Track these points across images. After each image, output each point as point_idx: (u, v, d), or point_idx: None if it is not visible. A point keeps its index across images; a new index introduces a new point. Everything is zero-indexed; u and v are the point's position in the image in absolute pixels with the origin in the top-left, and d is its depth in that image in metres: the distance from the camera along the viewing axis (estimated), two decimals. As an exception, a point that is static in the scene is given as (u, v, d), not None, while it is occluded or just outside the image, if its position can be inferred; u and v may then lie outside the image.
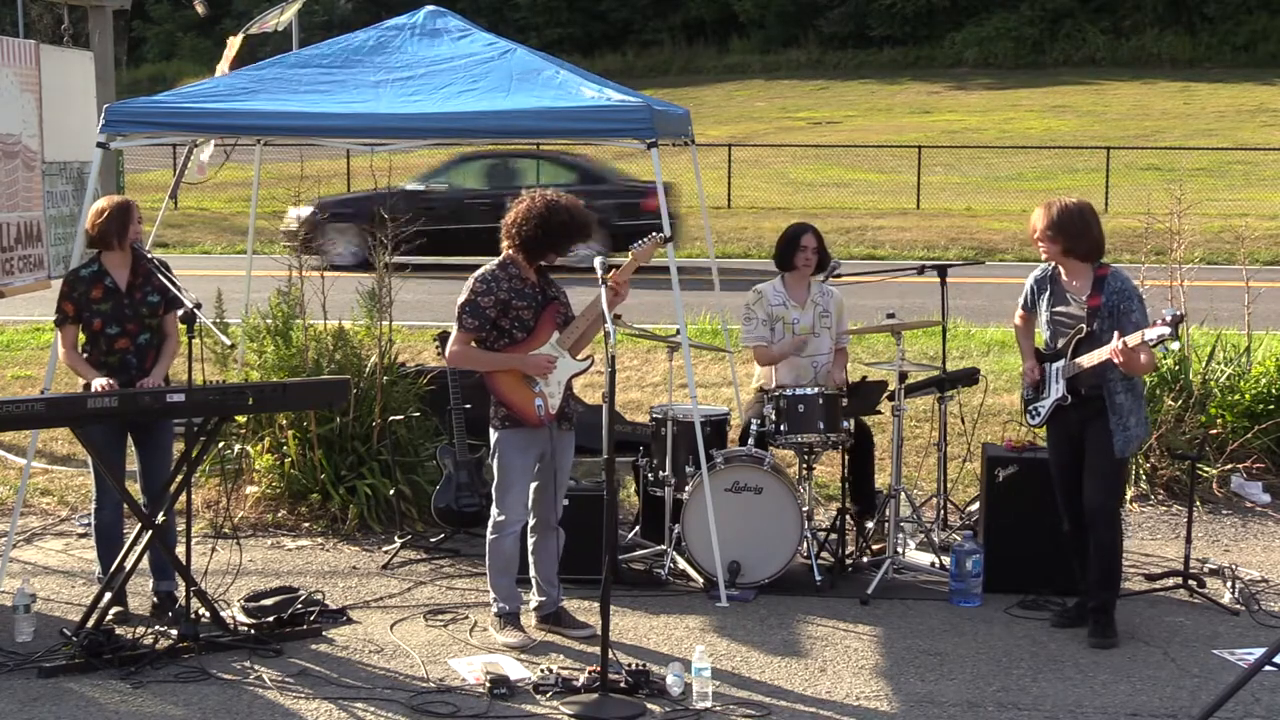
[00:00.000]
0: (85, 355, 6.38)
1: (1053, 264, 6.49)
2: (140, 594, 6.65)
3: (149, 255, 6.42)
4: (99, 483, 6.48)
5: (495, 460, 6.26)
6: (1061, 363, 6.39)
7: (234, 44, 9.84)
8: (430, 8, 8.00)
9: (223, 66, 9.50)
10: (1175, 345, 6.20)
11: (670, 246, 6.55)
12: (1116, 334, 6.16)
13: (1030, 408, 6.62)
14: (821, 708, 5.62)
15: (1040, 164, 30.53)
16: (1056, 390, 6.42)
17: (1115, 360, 6.12)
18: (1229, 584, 6.92)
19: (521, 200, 6.23)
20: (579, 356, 6.30)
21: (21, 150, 9.06)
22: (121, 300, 6.37)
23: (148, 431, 6.48)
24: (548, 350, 6.20)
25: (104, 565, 6.52)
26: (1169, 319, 6.00)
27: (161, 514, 6.34)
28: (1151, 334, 6.05)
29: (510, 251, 6.23)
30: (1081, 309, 6.35)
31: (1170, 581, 7.01)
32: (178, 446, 6.67)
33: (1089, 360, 6.25)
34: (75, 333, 6.40)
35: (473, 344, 6.17)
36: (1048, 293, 6.52)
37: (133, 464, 6.66)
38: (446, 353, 6.31)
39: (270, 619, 6.32)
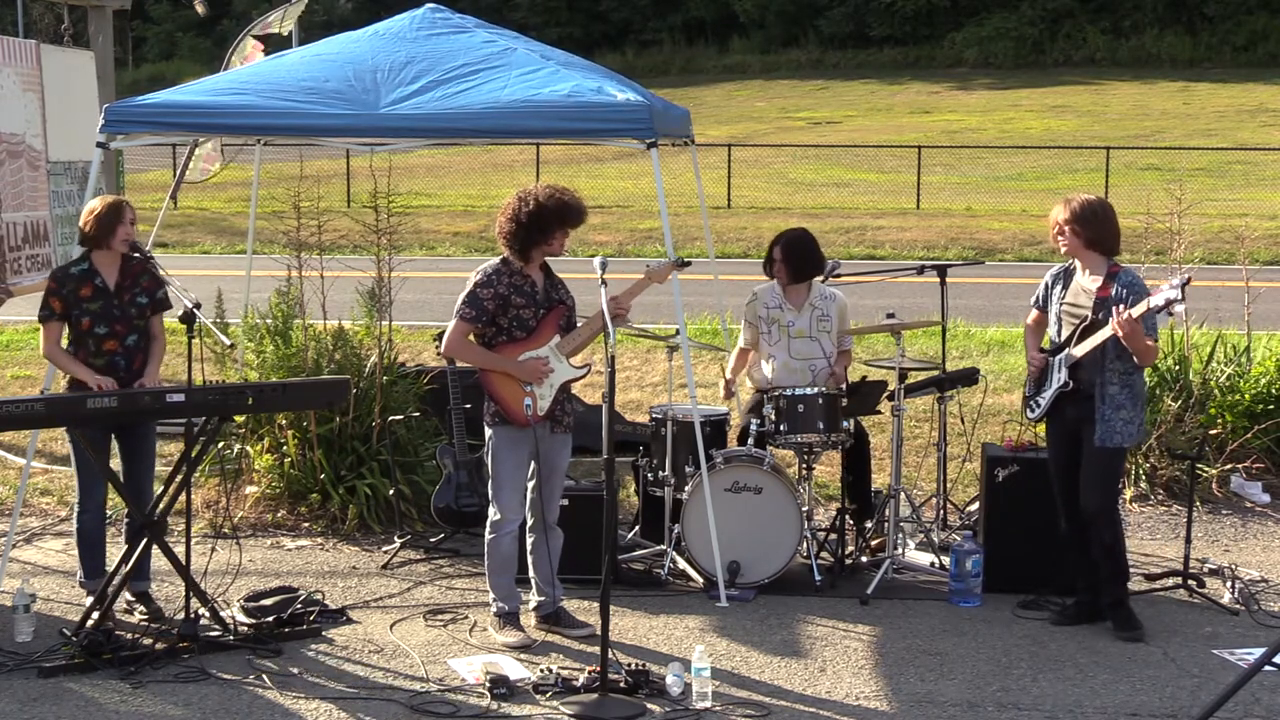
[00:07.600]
0: (72, 354, 6.32)
1: (1070, 261, 6.50)
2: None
3: (149, 255, 6.40)
4: (82, 485, 6.44)
5: (489, 457, 6.26)
6: (1065, 352, 6.37)
7: (254, 52, 9.83)
8: (430, 5, 8.00)
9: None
10: (1180, 309, 6.09)
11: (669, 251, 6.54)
12: (1117, 308, 6.12)
13: (1030, 401, 6.61)
14: (821, 708, 5.62)
15: (1040, 164, 30.51)
16: (1058, 379, 6.39)
17: (1119, 334, 6.06)
18: (1229, 584, 6.92)
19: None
20: (577, 362, 6.30)
21: (26, 150, 9.06)
22: (110, 300, 6.32)
23: (133, 433, 6.45)
24: (546, 353, 6.20)
25: (85, 567, 6.49)
26: (1176, 284, 5.95)
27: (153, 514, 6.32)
28: (1158, 299, 5.98)
29: (506, 251, 6.25)
30: (1090, 299, 6.34)
31: (1170, 581, 7.01)
32: (163, 449, 6.64)
33: (1091, 342, 6.22)
34: (60, 329, 6.34)
35: (470, 337, 6.18)
36: (1059, 287, 6.51)
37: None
38: (443, 341, 6.31)
39: (270, 619, 6.32)
